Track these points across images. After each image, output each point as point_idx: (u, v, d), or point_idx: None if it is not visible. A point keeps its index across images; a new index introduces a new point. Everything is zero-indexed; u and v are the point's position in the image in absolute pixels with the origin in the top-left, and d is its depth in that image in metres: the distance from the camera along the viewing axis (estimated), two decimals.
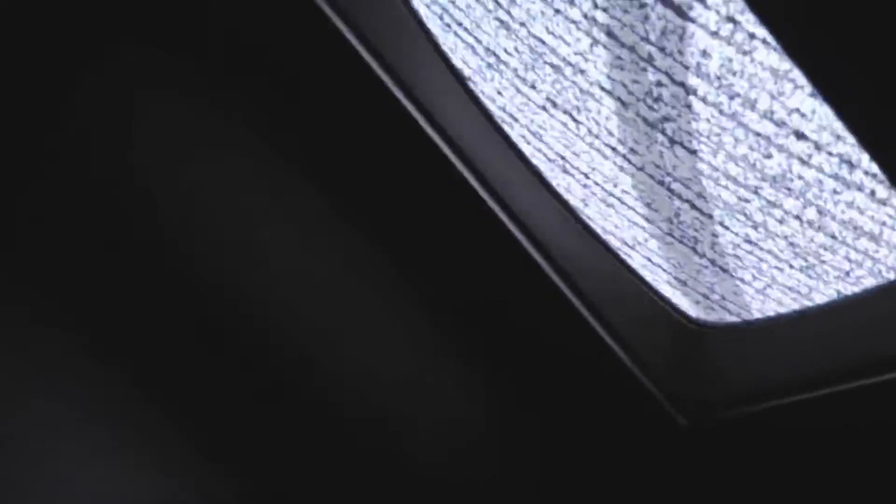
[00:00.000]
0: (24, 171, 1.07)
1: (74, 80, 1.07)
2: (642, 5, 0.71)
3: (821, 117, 0.69)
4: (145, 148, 1.09)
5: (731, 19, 0.67)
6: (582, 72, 0.81)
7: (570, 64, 0.81)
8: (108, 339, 1.08)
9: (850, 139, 0.69)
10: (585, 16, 0.76)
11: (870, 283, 0.80)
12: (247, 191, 1.09)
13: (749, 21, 0.67)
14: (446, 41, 0.93)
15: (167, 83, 1.08)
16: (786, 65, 0.67)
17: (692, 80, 0.73)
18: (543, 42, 0.81)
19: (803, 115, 0.70)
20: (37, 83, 1.07)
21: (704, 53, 0.71)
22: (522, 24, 0.82)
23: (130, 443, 1.09)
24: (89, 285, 1.08)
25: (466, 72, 0.93)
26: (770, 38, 0.66)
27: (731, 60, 0.70)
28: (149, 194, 1.09)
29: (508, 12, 0.82)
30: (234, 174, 1.09)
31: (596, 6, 0.75)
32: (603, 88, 0.80)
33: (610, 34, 0.76)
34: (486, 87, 0.93)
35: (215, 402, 1.10)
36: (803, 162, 0.73)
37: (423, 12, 0.93)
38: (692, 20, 0.70)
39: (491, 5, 0.83)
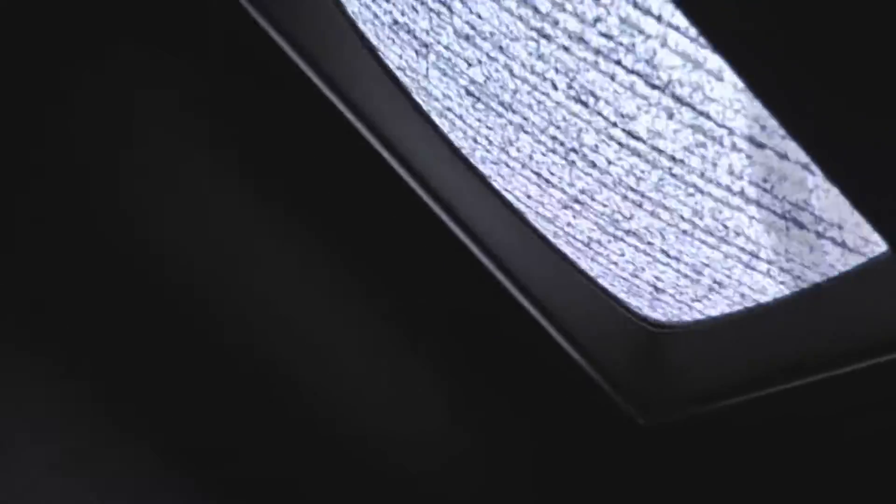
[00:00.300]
0: (21, 171, 1.06)
1: (73, 80, 1.06)
2: None
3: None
4: (143, 149, 1.08)
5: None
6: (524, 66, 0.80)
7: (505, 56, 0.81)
8: (94, 344, 1.08)
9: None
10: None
11: (819, 279, 0.80)
12: (241, 194, 1.09)
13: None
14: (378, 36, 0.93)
15: (166, 83, 1.08)
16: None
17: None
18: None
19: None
20: (36, 83, 1.06)
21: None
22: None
23: (114, 453, 1.08)
24: (85, 287, 1.08)
25: (407, 78, 0.93)
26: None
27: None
28: (146, 197, 1.08)
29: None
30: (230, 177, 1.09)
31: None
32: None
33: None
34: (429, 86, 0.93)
35: (195, 411, 1.10)
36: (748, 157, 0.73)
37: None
38: None
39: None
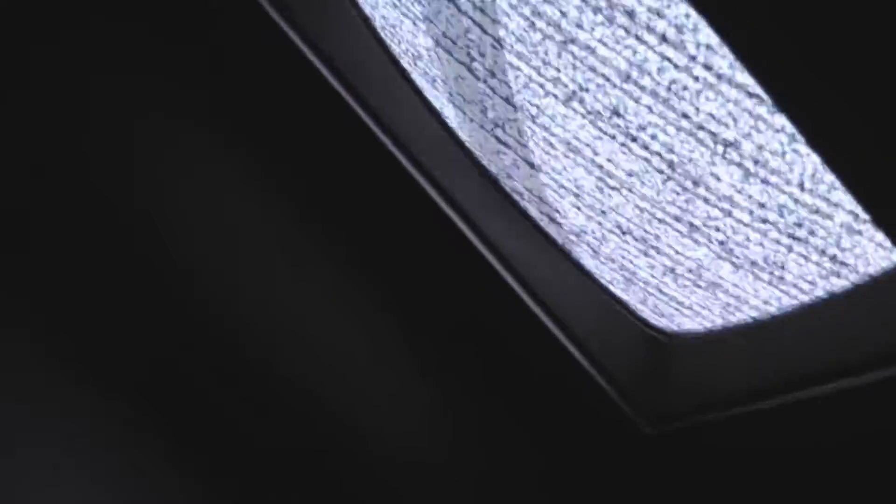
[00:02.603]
0: (25, 171, 1.07)
1: (76, 95, 1.07)
2: None
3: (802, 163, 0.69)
4: (144, 159, 1.08)
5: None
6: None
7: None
8: (94, 344, 1.08)
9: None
10: None
11: (830, 290, 0.80)
12: (234, 198, 1.09)
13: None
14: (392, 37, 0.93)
15: (168, 70, 1.07)
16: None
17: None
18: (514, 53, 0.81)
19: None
20: (39, 94, 1.06)
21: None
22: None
23: (113, 454, 1.08)
24: (87, 285, 1.08)
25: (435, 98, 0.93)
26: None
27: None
28: (144, 205, 1.08)
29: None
30: (222, 183, 1.09)
31: None
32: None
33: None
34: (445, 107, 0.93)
35: (194, 410, 1.10)
36: (778, 189, 0.73)
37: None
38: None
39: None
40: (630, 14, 0.68)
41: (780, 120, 0.67)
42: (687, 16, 0.65)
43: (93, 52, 1.05)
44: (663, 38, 0.67)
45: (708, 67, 0.67)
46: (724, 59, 0.66)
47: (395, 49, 0.94)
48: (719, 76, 0.68)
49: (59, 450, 1.07)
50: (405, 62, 0.94)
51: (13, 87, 1.04)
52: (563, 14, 0.73)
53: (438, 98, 0.93)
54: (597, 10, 0.69)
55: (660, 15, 0.66)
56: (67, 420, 1.08)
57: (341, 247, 1.09)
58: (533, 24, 0.76)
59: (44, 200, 1.07)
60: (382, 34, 0.95)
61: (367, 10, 0.93)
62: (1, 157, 1.05)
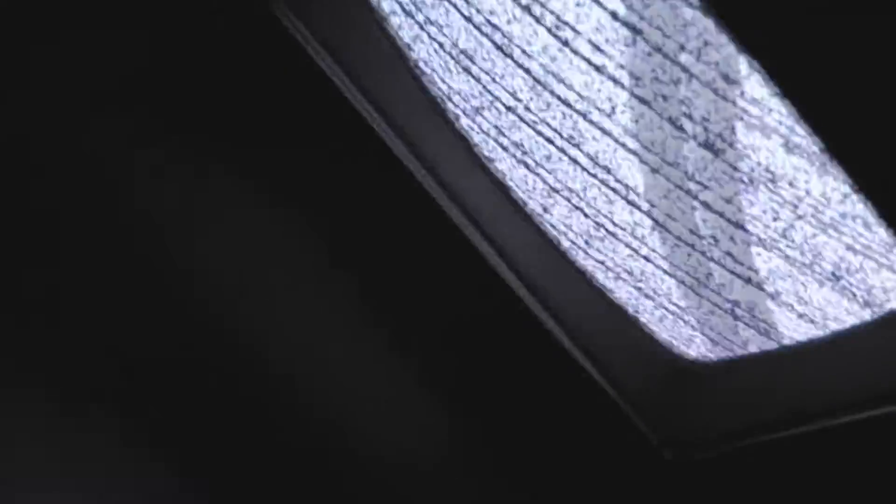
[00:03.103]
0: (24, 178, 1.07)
1: (77, 96, 1.06)
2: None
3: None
4: (146, 160, 1.08)
5: None
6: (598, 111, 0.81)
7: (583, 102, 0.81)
8: (89, 346, 1.08)
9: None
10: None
11: (858, 320, 0.80)
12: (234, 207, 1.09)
13: None
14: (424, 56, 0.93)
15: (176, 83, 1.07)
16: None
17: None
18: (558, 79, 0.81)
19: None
20: (39, 94, 1.06)
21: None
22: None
23: (114, 456, 1.08)
24: (88, 288, 1.08)
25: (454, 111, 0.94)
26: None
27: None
28: (144, 205, 1.08)
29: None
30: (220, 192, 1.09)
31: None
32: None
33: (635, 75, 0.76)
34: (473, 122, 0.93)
35: (192, 412, 1.10)
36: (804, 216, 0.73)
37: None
38: None
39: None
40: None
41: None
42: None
43: (97, 53, 1.04)
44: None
45: None
46: None
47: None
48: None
49: (59, 450, 1.07)
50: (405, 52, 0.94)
51: (14, 87, 1.04)
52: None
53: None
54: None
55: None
56: (67, 421, 1.07)
57: (346, 251, 1.09)
58: None
59: (45, 201, 1.06)
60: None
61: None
62: (2, 157, 1.05)
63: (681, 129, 0.74)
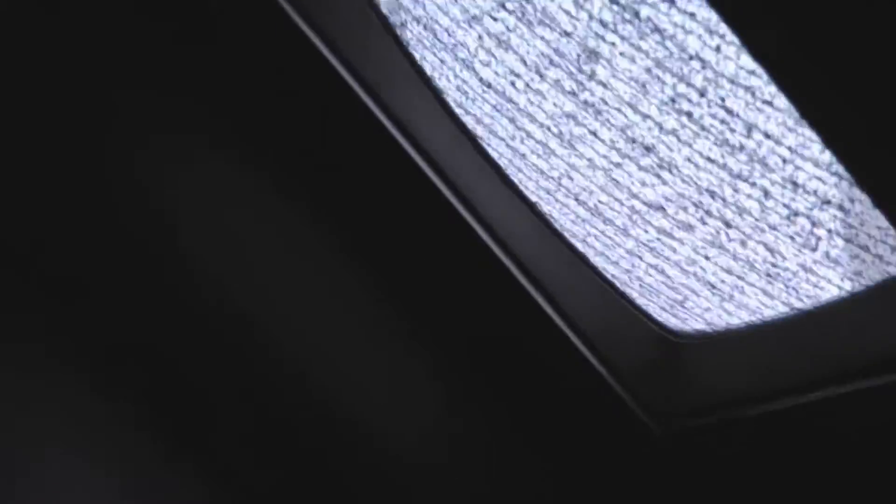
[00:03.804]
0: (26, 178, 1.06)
1: (79, 94, 1.06)
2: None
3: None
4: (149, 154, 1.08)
5: None
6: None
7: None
8: (91, 345, 1.07)
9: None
10: None
11: (842, 292, 0.81)
12: (235, 206, 1.09)
13: None
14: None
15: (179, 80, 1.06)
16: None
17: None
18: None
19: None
20: (40, 96, 1.05)
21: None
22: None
23: (120, 453, 1.08)
24: (87, 292, 1.08)
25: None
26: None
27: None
28: (151, 203, 1.08)
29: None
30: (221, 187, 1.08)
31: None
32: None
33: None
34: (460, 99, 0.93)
35: (196, 412, 1.10)
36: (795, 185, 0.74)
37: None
38: None
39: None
40: None
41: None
42: None
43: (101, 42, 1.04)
44: None
45: None
46: None
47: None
48: None
49: (61, 450, 1.07)
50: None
51: (15, 87, 1.04)
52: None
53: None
54: None
55: None
56: (69, 420, 1.07)
57: (354, 247, 1.09)
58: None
59: (46, 202, 1.06)
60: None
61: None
62: (3, 157, 1.05)
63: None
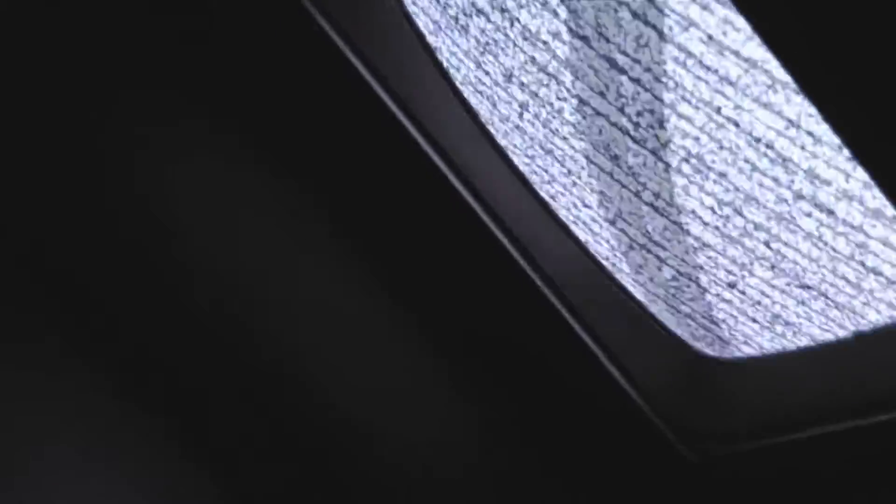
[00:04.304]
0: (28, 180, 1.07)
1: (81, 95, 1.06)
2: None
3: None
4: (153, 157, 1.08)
5: None
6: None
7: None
8: (99, 347, 1.08)
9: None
10: None
11: (878, 323, 0.79)
12: (235, 198, 1.08)
13: None
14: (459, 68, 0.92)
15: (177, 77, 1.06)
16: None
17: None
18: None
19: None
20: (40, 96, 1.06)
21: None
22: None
23: (124, 453, 1.09)
24: (91, 293, 1.08)
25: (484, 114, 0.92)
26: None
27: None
28: (154, 205, 1.08)
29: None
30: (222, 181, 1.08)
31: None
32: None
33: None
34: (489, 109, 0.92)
35: (209, 415, 1.10)
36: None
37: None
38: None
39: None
40: None
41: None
42: None
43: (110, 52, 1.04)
44: None
45: None
46: None
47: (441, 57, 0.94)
48: None
49: (60, 450, 1.07)
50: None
51: (15, 87, 1.04)
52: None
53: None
54: None
55: None
56: (68, 420, 1.07)
57: (364, 249, 1.08)
58: None
59: (45, 202, 1.07)
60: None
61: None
62: (5, 158, 1.06)
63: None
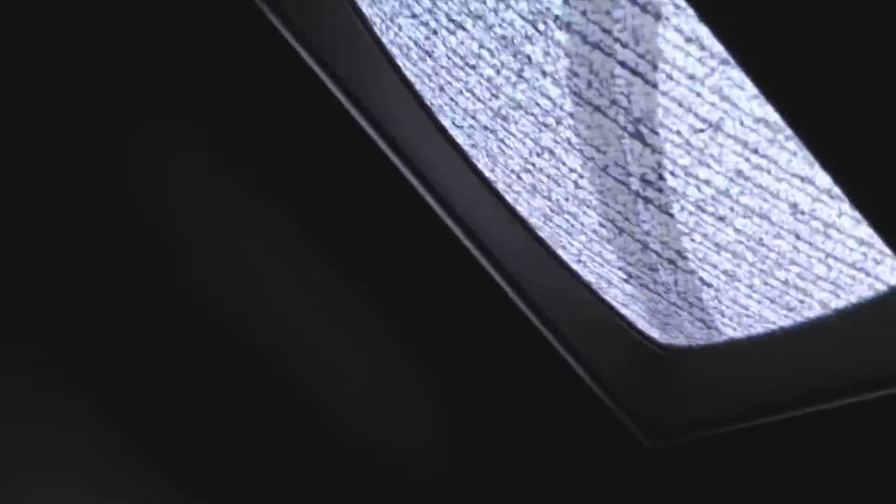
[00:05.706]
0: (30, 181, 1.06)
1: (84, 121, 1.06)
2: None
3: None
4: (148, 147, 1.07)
5: None
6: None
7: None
8: (93, 352, 1.08)
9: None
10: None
11: (839, 305, 0.79)
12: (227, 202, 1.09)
13: None
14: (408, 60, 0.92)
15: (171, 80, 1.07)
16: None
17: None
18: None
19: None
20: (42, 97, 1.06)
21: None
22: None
23: (115, 457, 1.08)
24: (87, 297, 1.08)
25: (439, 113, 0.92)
26: None
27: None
28: (150, 214, 1.08)
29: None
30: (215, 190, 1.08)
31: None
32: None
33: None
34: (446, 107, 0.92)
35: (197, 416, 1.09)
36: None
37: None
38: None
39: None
40: None
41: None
42: None
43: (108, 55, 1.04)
44: None
45: None
46: None
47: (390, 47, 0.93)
48: None
49: (59, 450, 1.07)
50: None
51: (16, 88, 1.04)
52: None
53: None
54: None
55: None
56: (67, 420, 1.08)
57: (350, 258, 1.09)
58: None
59: (45, 201, 1.06)
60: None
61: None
62: (5, 158, 1.05)
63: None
